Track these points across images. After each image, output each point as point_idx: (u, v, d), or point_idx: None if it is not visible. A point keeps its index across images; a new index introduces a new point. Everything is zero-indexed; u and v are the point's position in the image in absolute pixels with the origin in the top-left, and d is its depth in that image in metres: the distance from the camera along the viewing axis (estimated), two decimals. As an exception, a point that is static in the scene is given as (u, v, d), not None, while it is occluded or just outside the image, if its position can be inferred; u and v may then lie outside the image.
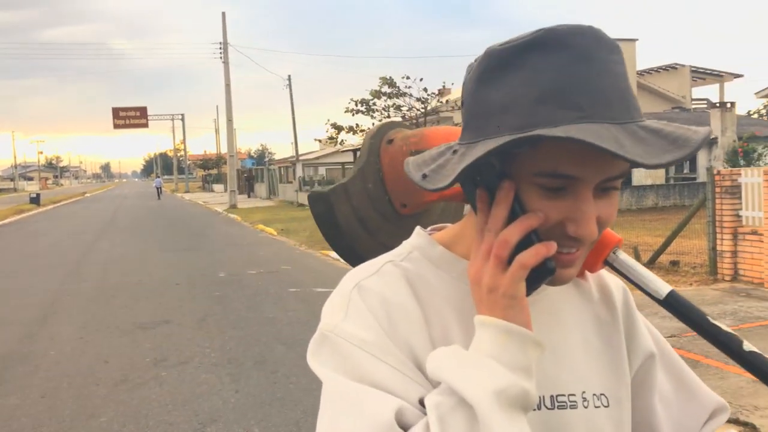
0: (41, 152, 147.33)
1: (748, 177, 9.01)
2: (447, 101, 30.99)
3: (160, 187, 54.84)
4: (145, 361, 6.48)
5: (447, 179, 0.74)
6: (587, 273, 0.92)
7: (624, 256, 0.88)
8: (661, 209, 22.90)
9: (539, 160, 0.73)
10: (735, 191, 9.16)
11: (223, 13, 37.37)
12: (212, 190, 64.66)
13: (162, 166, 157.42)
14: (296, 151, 39.35)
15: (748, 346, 0.80)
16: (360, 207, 1.15)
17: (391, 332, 0.78)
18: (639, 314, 0.99)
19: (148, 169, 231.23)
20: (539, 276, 0.75)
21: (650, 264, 10.41)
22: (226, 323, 7.96)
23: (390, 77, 28.78)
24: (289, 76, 40.46)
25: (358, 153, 1.19)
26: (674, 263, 10.28)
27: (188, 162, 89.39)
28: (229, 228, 22.84)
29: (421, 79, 27.92)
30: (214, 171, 72.04)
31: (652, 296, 0.84)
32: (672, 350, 1.01)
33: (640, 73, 43.55)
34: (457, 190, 0.85)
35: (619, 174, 0.75)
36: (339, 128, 31.30)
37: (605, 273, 0.97)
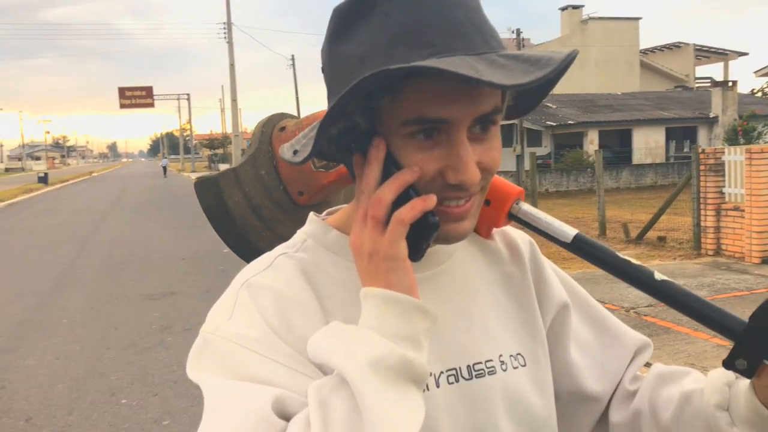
0: (48, 132, 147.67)
1: (731, 155, 9.33)
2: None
3: (166, 166, 60.05)
4: (152, 328, 6.91)
5: (311, 145, 0.72)
6: (494, 232, 0.92)
7: (527, 207, 0.87)
8: (660, 187, 23.13)
9: (403, 108, 0.70)
10: (719, 169, 9.48)
11: (227, -7, 37.50)
12: (218, 170, 64.87)
13: (168, 145, 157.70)
14: (300, 130, 39.58)
15: (659, 276, 0.80)
16: (253, 195, 1.10)
17: (283, 328, 0.73)
18: (549, 265, 0.98)
19: (154, 148, 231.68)
20: (424, 233, 0.72)
21: (638, 240, 10.77)
22: (228, 294, 8.37)
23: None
24: (293, 56, 40.73)
25: (249, 142, 1.16)
26: (661, 239, 10.62)
27: (194, 142, 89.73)
28: (234, 206, 23.17)
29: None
30: (220, 151, 72.33)
31: (560, 241, 0.84)
32: (589, 297, 1.00)
33: (644, 52, 43.47)
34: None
35: (490, 111, 0.72)
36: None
37: (511, 229, 0.96)
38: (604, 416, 0.97)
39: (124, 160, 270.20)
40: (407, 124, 0.70)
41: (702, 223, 9.63)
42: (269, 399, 0.66)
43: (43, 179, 45.99)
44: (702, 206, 9.62)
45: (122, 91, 58.76)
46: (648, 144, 28.25)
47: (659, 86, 41.02)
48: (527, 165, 26.20)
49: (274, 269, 0.78)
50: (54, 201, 29.58)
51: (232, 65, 36.32)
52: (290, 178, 1.09)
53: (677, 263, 9.18)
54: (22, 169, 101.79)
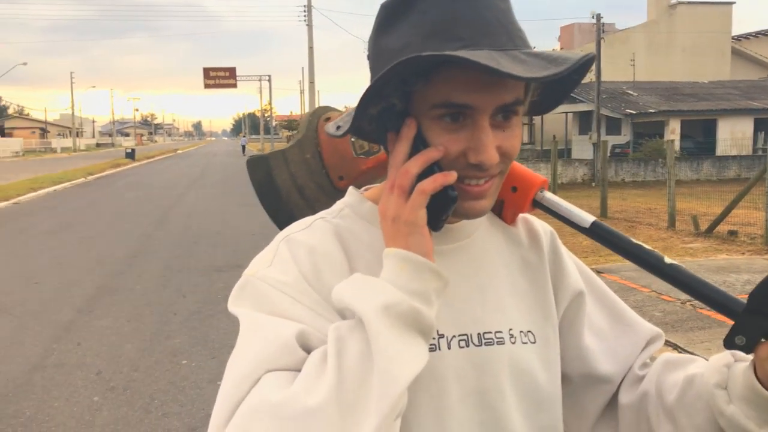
0: (137, 109, 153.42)
1: (810, 148, 8.96)
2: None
3: (245, 145, 66.88)
4: (217, 297, 7.30)
5: (350, 121, 0.82)
6: (518, 220, 1.00)
7: (550, 195, 0.94)
8: (744, 180, 22.14)
9: (434, 93, 0.78)
10: (796, 162, 9.13)
11: (309, -24, 38.02)
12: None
13: (249, 125, 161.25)
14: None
15: (668, 260, 0.86)
16: (298, 175, 1.19)
17: (314, 279, 0.82)
18: (568, 255, 1.04)
19: (237, 128, 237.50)
20: (443, 205, 0.80)
21: (708, 233, 10.49)
22: (291, 269, 8.71)
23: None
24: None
25: (296, 129, 1.27)
26: (732, 233, 10.31)
27: (274, 122, 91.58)
28: (307, 186, 23.70)
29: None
30: (298, 131, 73.64)
31: (579, 227, 0.91)
32: (607, 289, 1.06)
33: (736, 38, 41.52)
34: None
35: (512, 101, 0.80)
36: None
37: (535, 219, 1.04)
38: (614, 399, 1.01)
39: (209, 138, 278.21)
40: (436, 108, 0.79)
41: (775, 218, 9.31)
42: (294, 331, 0.75)
43: (131, 155, 47.68)
44: (776, 200, 9.30)
45: (207, 72, 60.20)
46: (734, 135, 27.11)
47: (752, 75, 39.11)
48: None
49: (311, 230, 0.88)
50: (139, 176, 30.99)
51: (311, 48, 36.89)
52: (332, 164, 1.16)
53: (745, 258, 8.92)
54: (112, 145, 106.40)
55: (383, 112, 0.81)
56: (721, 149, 26.51)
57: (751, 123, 27.42)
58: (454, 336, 0.87)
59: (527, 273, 0.97)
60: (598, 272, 8.03)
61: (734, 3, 40.19)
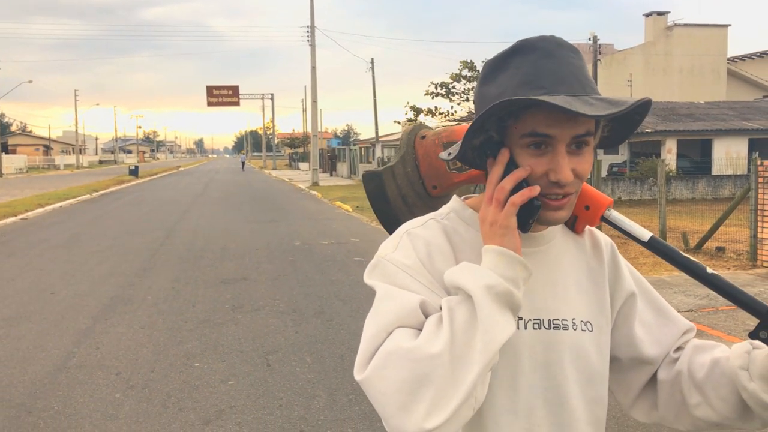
0: (140, 127, 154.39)
1: (791, 168, 9.37)
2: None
3: (244, 162, 76.19)
4: (225, 307, 7.70)
5: (458, 149, 1.07)
6: (585, 232, 1.22)
7: (615, 213, 1.13)
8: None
9: (522, 127, 1.01)
10: (778, 181, 9.53)
11: (312, -2, 38.71)
12: (298, 168, 66.53)
13: (252, 143, 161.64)
14: (376, 132, 40.63)
15: (710, 270, 1.07)
16: (402, 186, 1.38)
17: (428, 264, 1.06)
18: (624, 263, 1.26)
19: (239, 145, 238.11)
20: (530, 212, 1.02)
21: (697, 249, 10.89)
22: (295, 282, 9.12)
23: (470, 61, 29.21)
24: (372, 59, 41.68)
25: (398, 145, 1.46)
26: (720, 249, 10.70)
27: (276, 140, 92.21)
28: (309, 203, 24.16)
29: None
30: (301, 149, 74.01)
31: (639, 240, 1.10)
32: (653, 290, 1.28)
33: (732, 60, 42.10)
34: (479, 173, 1.21)
35: (583, 133, 1.01)
36: (418, 111, 31.93)
37: (598, 232, 1.25)
38: (653, 377, 1.23)
39: (211, 156, 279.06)
40: (524, 137, 1.02)
41: (759, 235, 9.72)
42: (418, 300, 0.99)
43: (134, 172, 47.61)
44: (759, 218, 9.71)
45: (210, 90, 60.69)
46: (729, 154, 27.54)
47: (748, 96, 39.61)
48: (603, 172, 25.97)
49: (426, 227, 1.12)
50: (143, 192, 31.40)
51: (313, 68, 37.45)
52: (428, 175, 1.35)
53: (730, 273, 9.30)
54: (115, 162, 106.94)
55: (484, 142, 1.06)
56: (716, 168, 26.89)
57: (745, 143, 27.85)
58: (530, 320, 1.10)
59: (590, 275, 1.19)
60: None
61: (730, 26, 40.86)
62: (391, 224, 1.34)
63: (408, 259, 1.05)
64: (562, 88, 0.99)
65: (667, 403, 1.20)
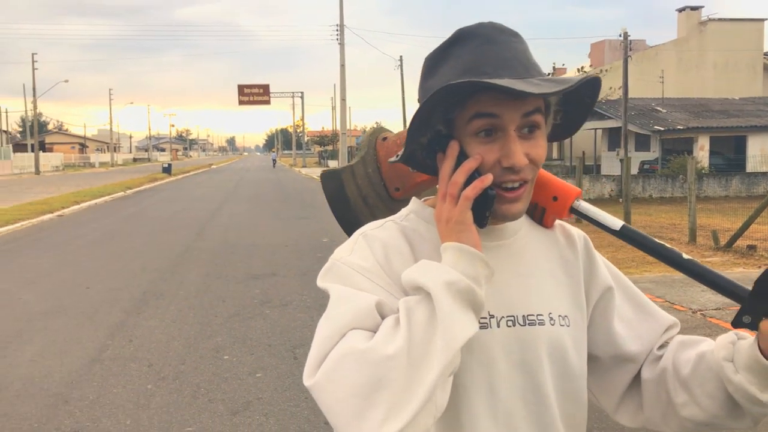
0: (173, 125, 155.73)
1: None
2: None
3: (275, 159, 77.14)
4: (254, 302, 7.85)
5: (404, 147, 1.02)
6: (556, 226, 1.17)
7: (585, 204, 1.10)
8: (773, 197, 22.16)
9: (468, 113, 0.97)
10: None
11: (341, -4, 38.89)
12: (327, 166, 66.84)
13: (282, 141, 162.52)
14: (404, 129, 40.41)
15: (686, 256, 1.01)
16: (362, 186, 1.35)
17: (386, 266, 1.01)
18: (599, 257, 1.21)
19: (269, 143, 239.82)
20: (485, 203, 0.98)
21: (727, 247, 10.77)
22: (323, 278, 9.22)
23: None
24: (401, 57, 41.76)
25: (358, 147, 1.43)
26: (751, 248, 10.57)
27: (306, 138, 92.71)
28: (338, 201, 24.19)
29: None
30: (330, 147, 74.33)
31: (610, 230, 1.07)
32: (632, 285, 1.22)
33: (768, 55, 41.27)
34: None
35: (533, 110, 0.98)
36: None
37: (570, 225, 1.20)
38: (637, 376, 1.16)
39: (240, 153, 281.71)
40: (470, 121, 0.97)
41: (791, 233, 9.58)
42: (374, 301, 0.94)
43: (167, 169, 48.53)
44: (791, 216, 9.57)
45: (241, 88, 60.98)
46: (764, 152, 27.07)
47: (785, 91, 38.87)
48: (634, 170, 25.72)
49: (384, 228, 1.07)
50: (176, 190, 31.87)
51: (342, 66, 37.61)
52: (390, 177, 1.32)
53: (760, 271, 9.11)
54: (148, 160, 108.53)
55: (432, 139, 1.02)
56: (750, 166, 26.47)
57: (781, 139, 27.33)
58: (503, 317, 1.04)
59: (565, 267, 1.14)
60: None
61: (766, 20, 40.04)
62: (351, 226, 1.29)
63: (365, 261, 1.01)
64: (505, 72, 0.96)
65: (652, 403, 1.13)
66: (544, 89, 0.92)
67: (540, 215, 1.15)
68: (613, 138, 32.13)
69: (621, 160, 22.60)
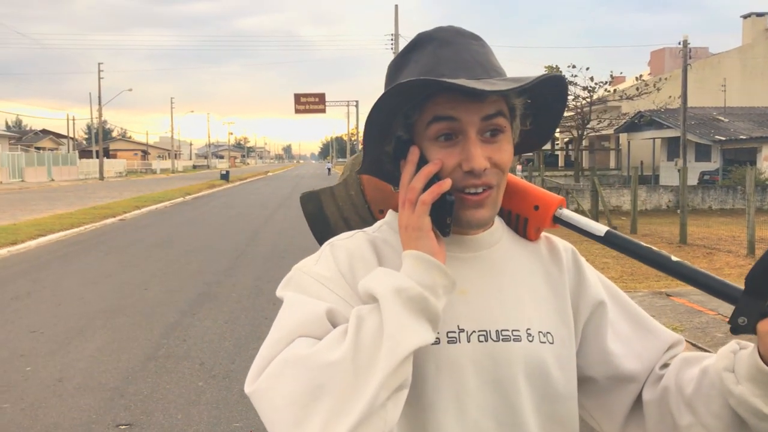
0: (231, 133, 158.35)
1: None
2: (615, 90, 30.42)
3: (330, 168, 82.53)
4: (303, 306, 8.00)
5: (364, 153, 0.99)
6: (540, 239, 1.10)
7: (567, 212, 1.06)
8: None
9: (426, 116, 0.94)
10: None
11: (396, 6, 39.15)
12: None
13: (337, 149, 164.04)
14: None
15: (675, 258, 0.96)
16: (344, 208, 1.34)
17: (348, 275, 0.97)
18: (590, 270, 1.12)
19: (324, 151, 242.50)
20: (444, 209, 0.93)
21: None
22: (371, 284, 9.34)
23: (556, 65, 28.83)
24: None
25: (342, 170, 1.42)
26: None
27: (360, 146, 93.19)
28: (391, 208, 24.34)
29: (587, 68, 27.17)
30: (384, 155, 75.24)
31: (595, 236, 1.02)
32: (629, 300, 1.13)
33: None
34: None
35: (494, 112, 0.94)
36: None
37: (555, 237, 1.14)
38: (639, 399, 1.05)
39: (296, 161, 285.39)
40: (429, 125, 0.94)
41: None
42: (324, 308, 0.90)
43: (225, 176, 49.43)
44: None
45: (297, 97, 61.69)
46: (833, 162, 26.03)
47: None
48: (693, 180, 25.09)
49: (352, 239, 1.04)
50: (233, 196, 32.56)
51: (397, 74, 37.78)
52: (374, 200, 1.30)
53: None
54: (207, 167, 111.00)
55: (396, 147, 0.99)
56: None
57: None
58: (474, 331, 0.98)
59: (549, 282, 1.07)
60: (668, 295, 8.26)
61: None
62: None
63: (327, 270, 0.97)
64: (462, 74, 0.93)
65: (656, 427, 1.03)
66: (499, 87, 0.89)
67: (523, 226, 1.10)
68: (672, 148, 31.40)
69: (679, 170, 22.14)
